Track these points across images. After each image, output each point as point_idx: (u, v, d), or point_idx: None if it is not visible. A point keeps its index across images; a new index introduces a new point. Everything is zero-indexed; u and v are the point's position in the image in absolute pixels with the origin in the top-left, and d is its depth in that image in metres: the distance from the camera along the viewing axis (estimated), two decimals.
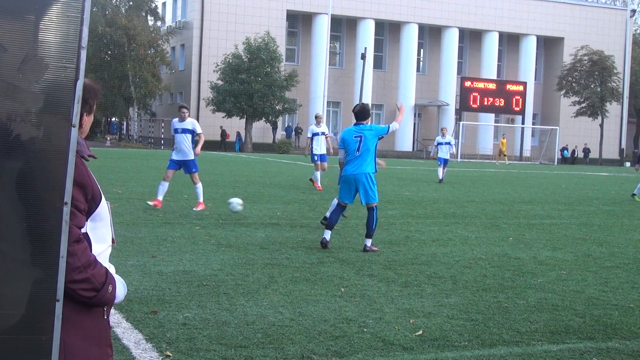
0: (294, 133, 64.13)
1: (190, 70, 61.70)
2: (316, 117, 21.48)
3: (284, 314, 6.25)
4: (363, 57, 59.19)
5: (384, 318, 6.26)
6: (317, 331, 5.78)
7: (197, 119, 60.62)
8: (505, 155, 56.68)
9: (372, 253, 9.71)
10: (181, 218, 12.53)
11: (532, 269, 8.96)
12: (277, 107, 56.16)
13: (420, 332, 5.88)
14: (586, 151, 67.88)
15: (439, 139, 27.72)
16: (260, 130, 60.67)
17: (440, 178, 26.32)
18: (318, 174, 20.31)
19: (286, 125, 64.62)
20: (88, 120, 2.95)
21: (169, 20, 68.04)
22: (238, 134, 59.16)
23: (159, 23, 66.52)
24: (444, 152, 26.84)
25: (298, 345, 5.39)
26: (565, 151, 68.77)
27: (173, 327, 5.72)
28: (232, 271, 8.00)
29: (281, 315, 6.19)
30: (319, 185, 20.20)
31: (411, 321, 6.19)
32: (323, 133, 20.65)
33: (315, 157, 20.26)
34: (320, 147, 20.39)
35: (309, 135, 20.80)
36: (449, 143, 27.34)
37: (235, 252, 9.26)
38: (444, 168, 26.62)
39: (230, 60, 55.28)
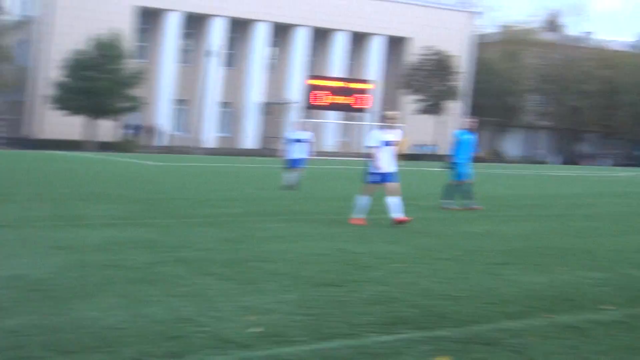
0: (139, 131, 63.24)
1: (33, 67, 59.44)
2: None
3: (120, 316, 6.11)
4: (208, 54, 59.30)
5: (222, 316, 6.24)
6: (153, 332, 5.68)
7: (43, 118, 58.55)
8: None
9: (212, 251, 9.59)
10: (16, 221, 12.03)
11: (371, 263, 9.19)
12: (123, 105, 55.15)
13: (259, 328, 5.90)
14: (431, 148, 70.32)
15: None
16: (107, 129, 59.14)
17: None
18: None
19: (135, 124, 63.31)
20: None
21: (11, 14, 65.25)
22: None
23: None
24: None
25: (133, 348, 5.28)
26: (426, 147, 70.50)
27: (2, 335, 5.47)
28: (67, 274, 7.74)
29: (116, 318, 6.05)
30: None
31: (249, 318, 6.20)
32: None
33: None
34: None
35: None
36: None
37: (71, 254, 8.96)
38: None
39: (76, 57, 53.82)
